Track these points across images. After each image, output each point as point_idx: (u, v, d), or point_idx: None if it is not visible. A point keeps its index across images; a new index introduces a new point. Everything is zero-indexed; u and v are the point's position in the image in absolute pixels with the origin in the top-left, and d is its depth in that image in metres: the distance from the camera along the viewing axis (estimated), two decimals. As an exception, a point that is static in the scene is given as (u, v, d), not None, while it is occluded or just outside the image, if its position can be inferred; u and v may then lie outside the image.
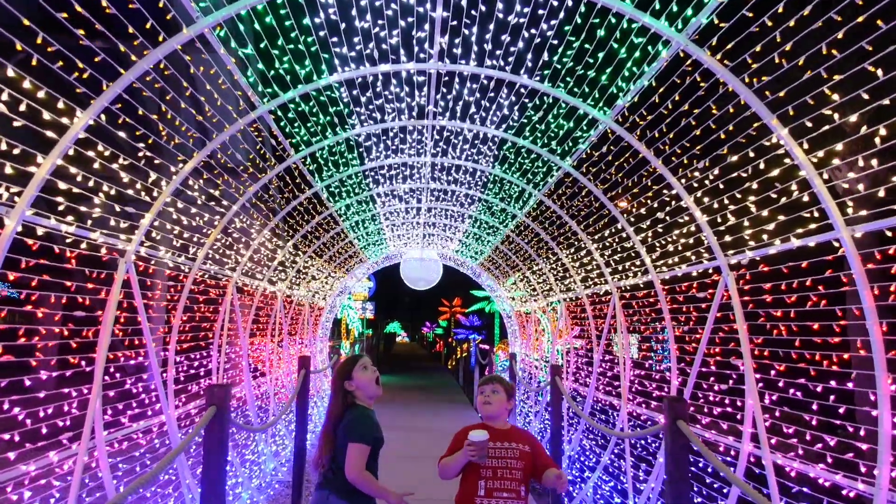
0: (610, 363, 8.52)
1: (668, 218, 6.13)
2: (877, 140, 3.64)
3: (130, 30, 3.94)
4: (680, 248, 6.15)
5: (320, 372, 13.68)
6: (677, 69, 4.69)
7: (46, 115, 3.53)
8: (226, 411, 3.82)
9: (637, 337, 9.35)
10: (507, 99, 6.24)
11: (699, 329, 5.82)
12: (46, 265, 4.02)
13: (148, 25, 4.02)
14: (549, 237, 9.28)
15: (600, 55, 5.03)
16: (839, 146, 3.98)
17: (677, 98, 4.97)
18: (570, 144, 6.75)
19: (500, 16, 4.88)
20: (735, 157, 4.78)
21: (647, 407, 7.15)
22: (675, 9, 4.18)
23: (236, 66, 4.94)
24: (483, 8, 4.86)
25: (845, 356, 4.74)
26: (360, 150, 7.80)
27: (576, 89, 5.65)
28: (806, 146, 4.02)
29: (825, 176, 4.05)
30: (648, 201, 6.38)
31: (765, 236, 4.78)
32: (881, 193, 3.77)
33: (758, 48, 4.04)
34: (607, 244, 7.65)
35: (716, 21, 4.04)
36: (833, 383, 4.48)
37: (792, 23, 3.77)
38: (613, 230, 7.26)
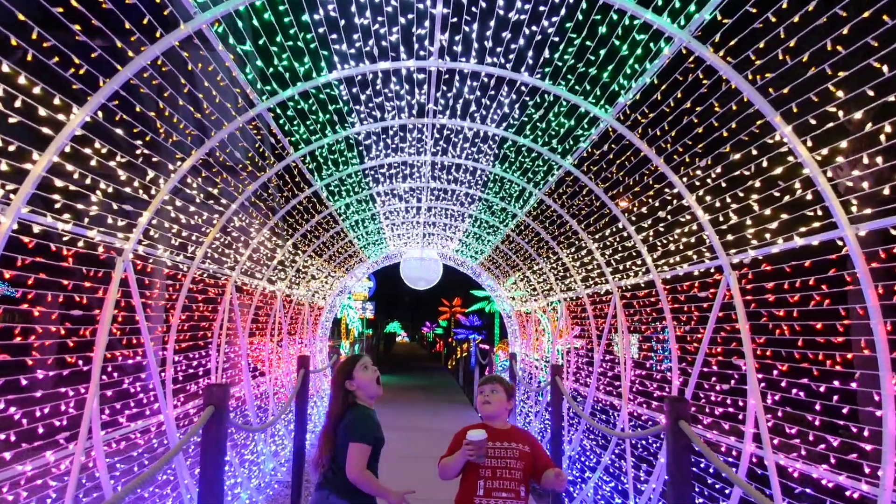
0: (611, 363, 8.49)
1: (669, 217, 6.09)
2: (881, 137, 3.61)
3: (127, 25, 3.91)
4: (681, 247, 6.11)
5: (320, 372, 13.65)
6: (679, 66, 4.66)
7: (42, 112, 3.50)
8: (224, 411, 3.80)
9: (638, 337, 9.32)
10: (507, 97, 6.21)
11: (701, 329, 5.78)
12: (43, 263, 3.99)
13: (145, 21, 3.98)
14: (549, 236, 9.25)
15: (602, 52, 5.00)
16: (843, 143, 3.94)
17: (679, 95, 4.94)
18: (571, 143, 6.71)
19: (501, 12, 4.85)
20: (738, 155, 4.74)
21: (648, 407, 7.12)
22: (677, 5, 4.14)
23: (235, 63, 4.91)
24: (483, 4, 4.83)
25: (849, 356, 4.70)
26: (360, 148, 7.77)
27: (577, 87, 5.61)
28: (810, 144, 3.99)
29: (829, 174, 4.01)
30: (650, 200, 6.34)
31: (767, 235, 4.74)
32: (886, 191, 3.73)
33: (761, 45, 4.01)
34: (608, 243, 7.62)
35: (719, 17, 4.01)
36: (836, 383, 4.45)
37: (796, 19, 3.74)
38: (614, 229, 7.23)
